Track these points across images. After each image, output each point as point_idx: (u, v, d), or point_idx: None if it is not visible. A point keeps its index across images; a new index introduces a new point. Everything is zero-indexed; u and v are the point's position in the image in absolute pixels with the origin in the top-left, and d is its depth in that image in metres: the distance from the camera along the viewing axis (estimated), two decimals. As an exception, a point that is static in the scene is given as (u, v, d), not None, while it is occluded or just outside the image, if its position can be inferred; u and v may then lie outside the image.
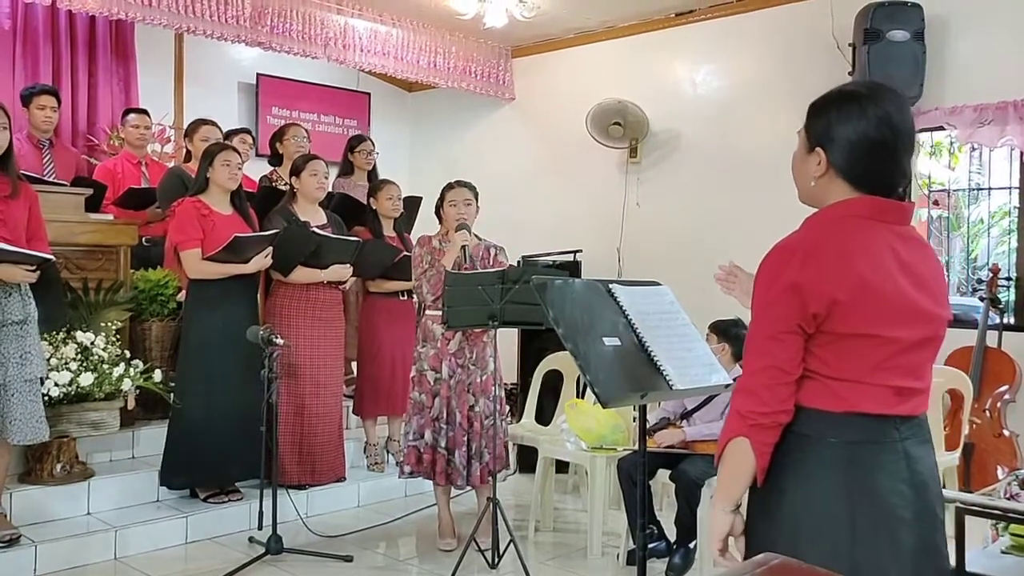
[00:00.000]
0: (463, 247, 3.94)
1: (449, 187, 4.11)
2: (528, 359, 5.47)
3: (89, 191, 4.58)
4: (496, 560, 3.78)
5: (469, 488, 4.14)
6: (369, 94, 7.61)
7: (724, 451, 1.66)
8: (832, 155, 1.68)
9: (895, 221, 1.67)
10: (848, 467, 1.60)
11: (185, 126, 5.52)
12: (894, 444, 1.63)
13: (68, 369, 3.80)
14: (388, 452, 5.06)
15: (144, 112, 5.58)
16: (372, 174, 5.50)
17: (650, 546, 3.39)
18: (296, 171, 4.56)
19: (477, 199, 4.12)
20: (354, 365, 5.18)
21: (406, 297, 4.96)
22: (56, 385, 3.74)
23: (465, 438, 3.98)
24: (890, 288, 1.61)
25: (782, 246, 1.66)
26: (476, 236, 4.08)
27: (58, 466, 3.97)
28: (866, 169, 1.66)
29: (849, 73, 5.07)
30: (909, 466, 1.63)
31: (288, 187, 4.73)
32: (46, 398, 3.67)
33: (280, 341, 3.82)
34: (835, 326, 1.60)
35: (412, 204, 5.24)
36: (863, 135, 1.65)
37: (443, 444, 3.98)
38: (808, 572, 0.98)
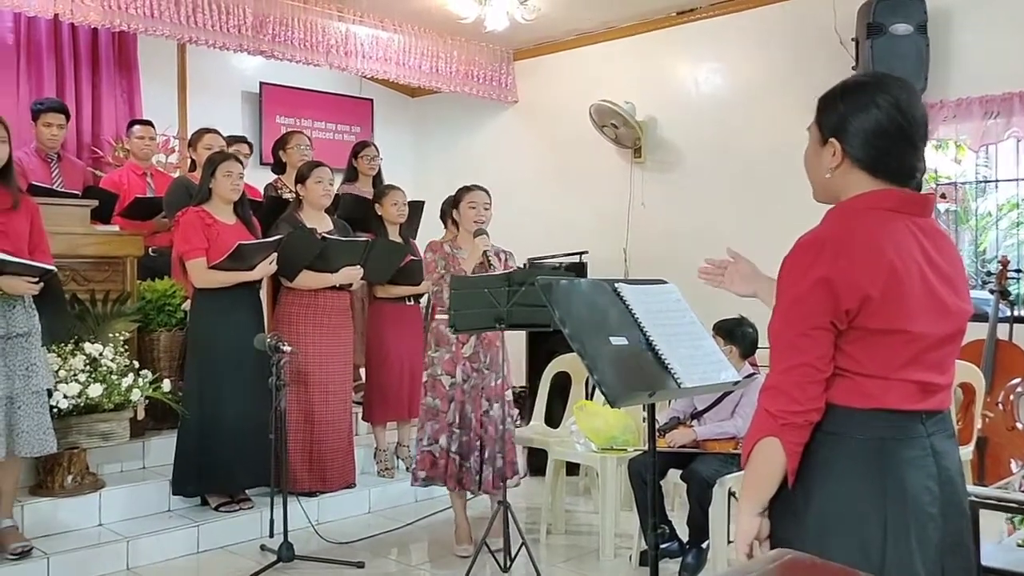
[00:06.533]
0: (485, 252, 3.93)
1: (467, 189, 4.09)
2: (536, 362, 5.45)
3: (95, 202, 4.60)
4: (508, 564, 3.76)
5: (482, 493, 4.12)
6: (372, 100, 7.62)
7: (752, 452, 1.62)
8: (848, 145, 1.65)
9: (917, 213, 1.65)
10: (877, 464, 1.57)
11: (189, 136, 5.54)
12: (921, 440, 1.60)
13: (77, 381, 3.80)
14: (398, 458, 5.05)
15: (149, 123, 5.59)
16: (376, 179, 5.49)
17: (662, 546, 3.38)
18: (301, 178, 4.57)
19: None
20: (362, 372, 5.18)
21: (413, 302, 4.96)
22: (65, 397, 3.74)
23: (479, 443, 3.96)
24: (918, 282, 1.58)
25: (809, 240, 1.62)
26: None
27: (69, 477, 3.97)
28: (883, 156, 1.63)
29: (853, 68, 5.04)
30: (936, 462, 1.61)
31: (293, 195, 4.73)
32: (55, 410, 3.68)
33: (287, 348, 3.82)
34: (865, 322, 1.56)
35: (415, 209, 5.24)
36: (877, 122, 1.62)
37: (455, 448, 3.96)
38: (821, 567, 0.96)
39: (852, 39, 5.13)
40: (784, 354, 1.60)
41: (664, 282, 2.45)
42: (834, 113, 1.67)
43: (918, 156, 1.66)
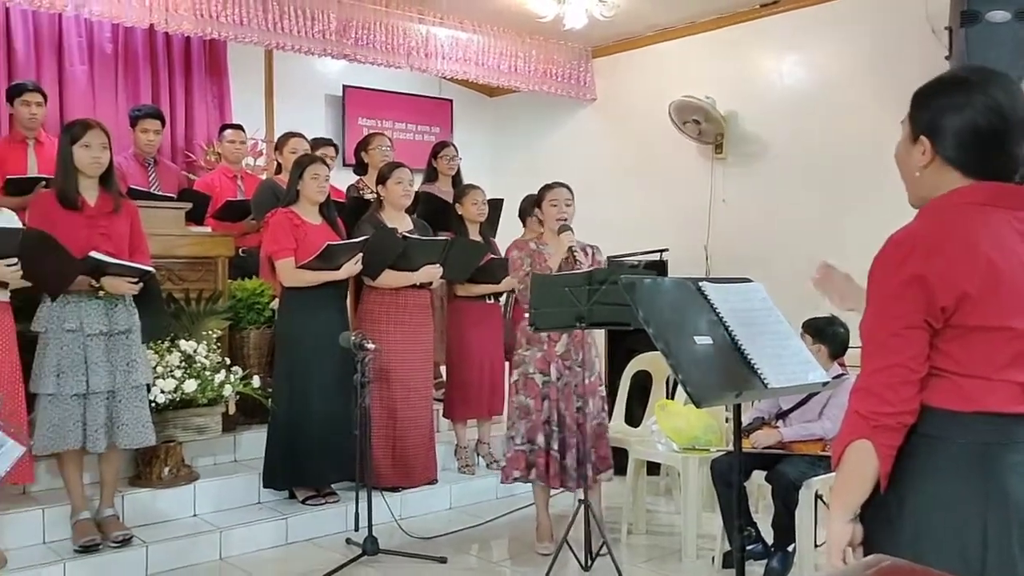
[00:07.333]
0: (570, 248, 3.94)
1: (548, 187, 4.11)
2: (616, 360, 5.42)
3: (189, 205, 4.78)
4: (589, 563, 3.76)
5: (578, 488, 4.10)
6: (451, 101, 7.70)
7: (843, 455, 1.58)
8: (939, 145, 1.60)
9: (1016, 206, 1.59)
10: (980, 470, 1.52)
11: (275, 139, 5.70)
12: None
13: (173, 376, 3.96)
14: (478, 455, 5.10)
15: (239, 127, 5.77)
16: (456, 179, 5.55)
17: (747, 548, 3.33)
18: (382, 179, 4.66)
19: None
20: (442, 369, 5.24)
21: (493, 300, 5.00)
22: (162, 392, 3.90)
23: (575, 440, 3.96)
24: (1020, 277, 1.53)
25: (900, 237, 1.58)
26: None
27: (166, 469, 4.14)
28: (976, 158, 1.58)
29: (946, 58, 4.85)
30: None
31: (375, 196, 4.83)
32: (153, 404, 3.84)
33: (371, 346, 3.89)
34: (964, 319, 1.51)
35: (494, 207, 5.27)
36: (971, 123, 1.57)
37: (555, 447, 3.96)
38: (921, 574, 0.94)
39: (945, 28, 4.93)
40: (876, 354, 1.57)
41: (749, 280, 2.41)
42: (927, 110, 1.62)
43: (1014, 160, 1.60)
